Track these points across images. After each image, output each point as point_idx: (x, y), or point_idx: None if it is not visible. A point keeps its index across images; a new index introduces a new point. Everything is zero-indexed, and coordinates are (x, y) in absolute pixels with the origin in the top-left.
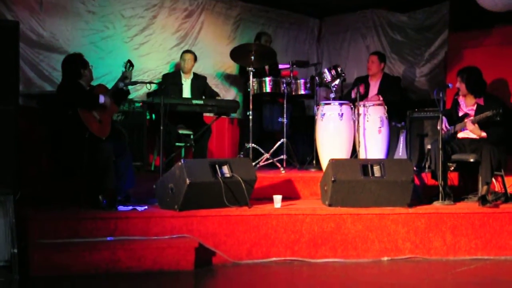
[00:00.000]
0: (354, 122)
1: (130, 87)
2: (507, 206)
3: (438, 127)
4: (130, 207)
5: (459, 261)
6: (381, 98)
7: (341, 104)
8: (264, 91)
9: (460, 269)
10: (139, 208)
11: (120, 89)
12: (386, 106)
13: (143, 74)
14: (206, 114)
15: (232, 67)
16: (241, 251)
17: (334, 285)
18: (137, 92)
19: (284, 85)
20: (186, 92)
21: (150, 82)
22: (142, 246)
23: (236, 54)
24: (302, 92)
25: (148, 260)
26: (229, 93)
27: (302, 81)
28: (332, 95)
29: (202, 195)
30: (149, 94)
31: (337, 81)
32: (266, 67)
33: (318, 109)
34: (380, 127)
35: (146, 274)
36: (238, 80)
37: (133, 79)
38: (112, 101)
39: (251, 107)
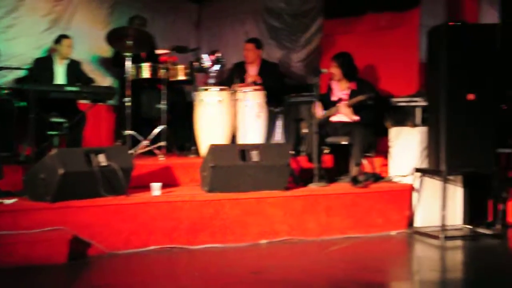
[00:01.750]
0: (232, 107)
1: None
2: (377, 186)
3: (313, 112)
4: None
5: (333, 240)
6: (260, 80)
7: (219, 90)
8: (142, 77)
9: (333, 248)
10: (7, 201)
11: None
12: (264, 92)
13: (11, 59)
14: (81, 101)
15: (108, 52)
16: (118, 241)
17: (213, 270)
18: (5, 78)
19: (163, 70)
20: (60, 78)
21: (18, 68)
22: (10, 241)
23: (112, 39)
24: (181, 77)
25: (18, 255)
26: (105, 79)
27: (181, 66)
28: (211, 81)
29: (76, 185)
30: (18, 80)
31: (216, 67)
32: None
33: (196, 95)
34: (258, 112)
35: (16, 270)
36: (115, 65)
37: (0, 65)
38: None
39: (128, 93)
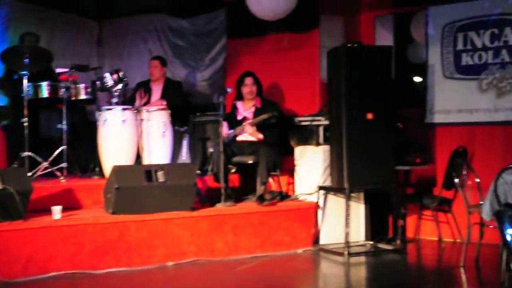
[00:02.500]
0: (137, 127)
1: None
2: (283, 204)
3: (220, 131)
4: None
5: (241, 259)
6: (164, 103)
7: (123, 109)
8: (41, 96)
9: (241, 268)
10: None
11: None
12: (169, 111)
13: None
14: None
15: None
16: (16, 268)
17: None
18: None
19: (63, 89)
20: None
21: None
22: None
23: (7, 57)
24: (82, 97)
25: None
26: None
27: (82, 85)
28: (114, 100)
29: None
30: None
31: (119, 86)
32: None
33: (100, 114)
34: (163, 132)
35: None
36: (5, 84)
37: None
38: None
39: (25, 113)
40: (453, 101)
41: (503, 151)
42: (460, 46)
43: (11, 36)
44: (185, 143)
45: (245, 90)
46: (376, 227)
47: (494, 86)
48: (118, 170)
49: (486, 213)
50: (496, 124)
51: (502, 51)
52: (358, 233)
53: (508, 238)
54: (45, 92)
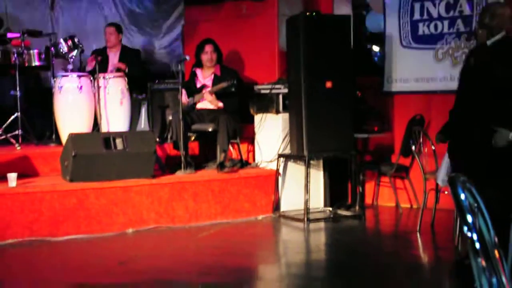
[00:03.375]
0: (94, 94)
1: None
2: (243, 172)
3: (179, 99)
4: None
5: (201, 226)
6: (124, 66)
7: (79, 76)
8: None
9: (202, 234)
10: None
11: None
12: (126, 78)
13: None
14: None
15: None
16: None
17: (76, 261)
18: None
19: (15, 55)
20: None
21: None
22: None
23: None
24: (36, 63)
25: None
26: None
27: (35, 51)
28: (69, 67)
29: None
30: None
31: (74, 52)
32: None
33: (55, 81)
34: (121, 99)
35: None
36: None
37: None
38: None
39: None
40: (411, 70)
41: None
42: (417, 16)
43: None
44: (143, 111)
45: (205, 57)
46: (335, 194)
47: (449, 55)
48: (75, 138)
49: (442, 179)
50: (452, 92)
51: (457, 21)
52: (318, 199)
53: (461, 203)
54: None
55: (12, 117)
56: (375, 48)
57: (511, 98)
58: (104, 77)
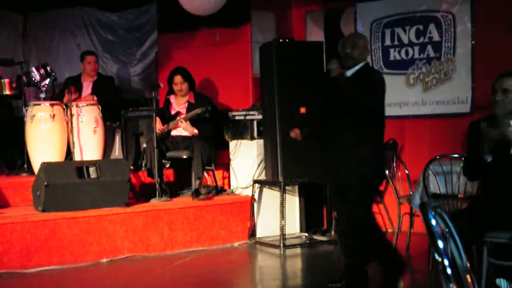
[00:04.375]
0: (67, 122)
1: None
2: (219, 198)
3: (153, 126)
4: None
5: (177, 254)
6: (95, 98)
7: (52, 105)
8: None
9: (177, 263)
10: None
11: None
12: (100, 106)
13: None
14: None
15: None
16: None
17: None
18: None
19: None
20: None
21: None
22: None
23: None
24: (7, 92)
25: None
26: None
27: (7, 80)
28: (42, 95)
29: None
30: None
31: (47, 81)
32: None
33: (27, 110)
34: (95, 127)
35: None
36: None
37: None
38: None
39: None
40: None
41: (431, 142)
42: (388, 42)
43: None
44: (117, 139)
45: (176, 88)
46: (311, 219)
47: (421, 80)
48: (47, 167)
49: (416, 203)
50: (424, 117)
51: (427, 47)
52: (294, 225)
53: (432, 228)
54: None
55: None
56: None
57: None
58: (77, 105)
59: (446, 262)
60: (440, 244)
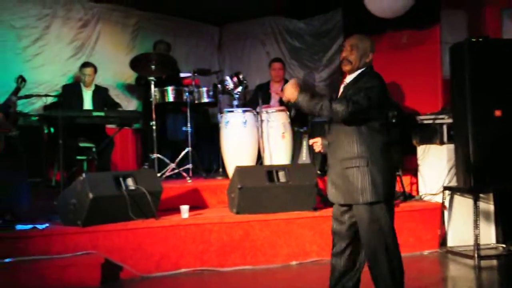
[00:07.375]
0: (258, 128)
1: (25, 100)
2: (407, 205)
3: None
4: (30, 226)
5: None
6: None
7: (244, 111)
8: (167, 100)
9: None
10: (40, 226)
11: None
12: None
13: (38, 86)
14: (108, 126)
15: (132, 78)
16: (150, 264)
17: None
18: (33, 106)
19: (187, 93)
20: (88, 104)
21: (46, 95)
22: (43, 265)
23: (136, 64)
24: (205, 100)
25: (51, 279)
26: (130, 104)
27: (204, 89)
28: (235, 103)
29: (106, 209)
30: (46, 107)
31: (239, 88)
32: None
33: (222, 116)
34: (283, 133)
35: None
36: (138, 90)
37: (28, 93)
38: (4, 116)
39: (154, 117)
40: None
41: None
42: None
43: (138, 44)
44: (305, 144)
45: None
46: (508, 229)
47: None
48: (240, 171)
49: None
50: None
51: None
52: (488, 235)
53: None
54: (170, 97)
55: (184, 152)
56: None
57: None
58: (267, 111)
59: None
60: None
